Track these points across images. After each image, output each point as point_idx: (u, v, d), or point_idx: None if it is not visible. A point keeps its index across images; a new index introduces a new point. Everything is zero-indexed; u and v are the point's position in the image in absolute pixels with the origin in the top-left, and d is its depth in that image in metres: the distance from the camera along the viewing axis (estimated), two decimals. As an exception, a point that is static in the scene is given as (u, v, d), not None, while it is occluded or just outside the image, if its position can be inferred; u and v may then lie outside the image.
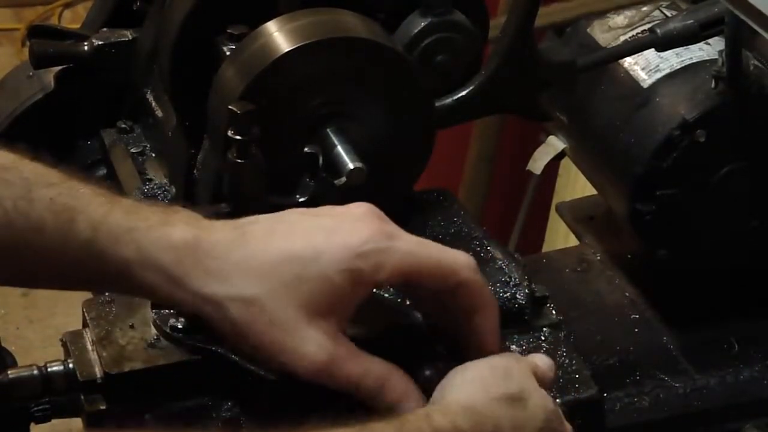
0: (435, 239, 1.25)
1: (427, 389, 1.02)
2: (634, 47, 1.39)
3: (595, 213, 1.57)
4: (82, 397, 1.06)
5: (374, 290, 1.05)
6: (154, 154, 1.45)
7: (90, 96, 1.49)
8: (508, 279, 1.19)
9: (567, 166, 2.11)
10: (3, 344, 1.11)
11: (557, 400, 1.09)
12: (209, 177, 1.29)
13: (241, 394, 1.07)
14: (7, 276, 1.07)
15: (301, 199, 1.18)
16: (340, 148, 1.19)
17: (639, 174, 1.36)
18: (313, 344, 0.99)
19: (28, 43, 1.48)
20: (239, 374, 1.06)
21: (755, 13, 1.03)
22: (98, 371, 1.06)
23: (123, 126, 1.48)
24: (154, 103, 1.44)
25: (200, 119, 1.25)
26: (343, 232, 1.00)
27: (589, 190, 1.59)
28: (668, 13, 1.44)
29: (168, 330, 1.08)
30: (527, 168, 1.59)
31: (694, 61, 1.39)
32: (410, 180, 1.29)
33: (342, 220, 1.02)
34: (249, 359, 1.04)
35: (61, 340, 1.11)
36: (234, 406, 1.08)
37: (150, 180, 1.41)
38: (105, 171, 1.48)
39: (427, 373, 1.03)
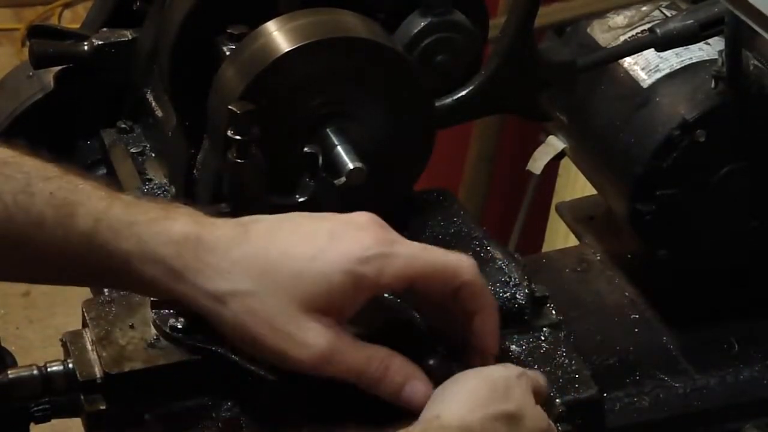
0: (435, 239, 1.25)
1: (430, 378, 1.03)
2: (634, 47, 1.39)
3: (595, 213, 1.57)
4: (82, 397, 1.06)
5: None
6: (154, 154, 1.45)
7: (90, 96, 1.49)
8: (508, 279, 1.19)
9: (567, 166, 2.11)
10: (3, 344, 1.11)
11: (557, 400, 1.09)
12: (209, 177, 1.29)
13: (241, 394, 1.07)
14: (7, 270, 1.07)
15: (301, 199, 1.18)
16: (340, 148, 1.19)
17: (639, 174, 1.36)
18: (313, 333, 0.99)
19: (28, 43, 1.47)
20: (239, 374, 1.06)
21: (755, 13, 1.03)
22: (98, 371, 1.06)
23: (123, 126, 1.48)
24: (154, 103, 1.44)
25: (200, 119, 1.25)
26: (347, 238, 1.01)
27: (589, 190, 1.59)
28: (668, 13, 1.44)
29: (168, 330, 1.08)
30: (527, 168, 1.59)
31: (694, 61, 1.39)
32: (410, 180, 1.29)
33: (345, 226, 1.02)
34: (249, 359, 1.04)
35: (61, 340, 1.11)
36: (234, 406, 1.08)
37: (150, 180, 1.41)
38: (105, 171, 1.48)
39: (431, 362, 1.03)
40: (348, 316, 1.01)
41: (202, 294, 1.01)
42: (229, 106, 1.09)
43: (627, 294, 1.47)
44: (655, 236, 1.39)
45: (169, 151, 1.39)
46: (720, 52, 1.32)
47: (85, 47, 1.46)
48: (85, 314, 1.12)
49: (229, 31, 1.25)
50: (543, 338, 1.16)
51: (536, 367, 1.12)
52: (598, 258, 1.52)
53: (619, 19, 1.48)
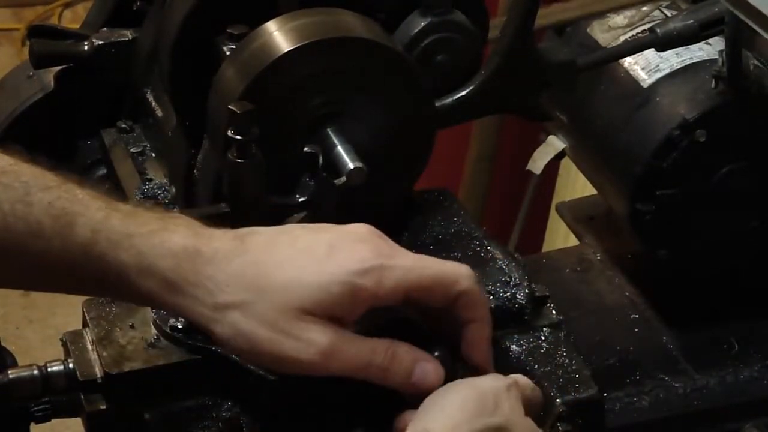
0: (435, 239, 1.25)
1: None
2: (634, 47, 1.39)
3: (595, 213, 1.57)
4: (82, 397, 1.06)
5: None
6: (154, 154, 1.44)
7: (90, 96, 1.49)
8: (508, 279, 1.19)
9: (567, 166, 2.11)
10: (3, 344, 1.11)
11: (557, 400, 1.09)
12: (209, 177, 1.29)
13: (241, 394, 1.07)
14: (5, 279, 1.07)
15: (301, 199, 1.18)
16: (340, 148, 1.19)
17: (639, 174, 1.36)
18: (313, 331, 0.99)
19: (28, 43, 1.47)
20: (239, 374, 1.06)
21: (755, 13, 1.03)
22: (98, 371, 1.06)
23: (123, 126, 1.48)
24: (154, 103, 1.43)
25: (200, 119, 1.25)
26: (345, 250, 1.00)
27: (589, 190, 1.59)
28: (668, 13, 1.44)
29: (168, 330, 1.08)
30: (527, 168, 1.59)
31: (694, 61, 1.39)
32: (410, 180, 1.29)
33: (344, 238, 1.02)
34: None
35: (61, 340, 1.11)
36: (234, 406, 1.08)
37: (150, 180, 1.41)
38: (105, 171, 1.48)
39: (437, 354, 1.03)
40: (344, 326, 1.01)
41: (200, 306, 1.00)
42: (229, 106, 1.09)
43: (627, 294, 1.47)
44: (655, 236, 1.39)
45: (169, 151, 1.39)
46: (720, 52, 1.32)
47: (85, 47, 1.46)
48: (86, 314, 1.12)
49: (229, 31, 1.25)
50: (543, 338, 1.16)
51: (536, 366, 1.12)
52: (598, 258, 1.52)
53: (619, 19, 1.48)
